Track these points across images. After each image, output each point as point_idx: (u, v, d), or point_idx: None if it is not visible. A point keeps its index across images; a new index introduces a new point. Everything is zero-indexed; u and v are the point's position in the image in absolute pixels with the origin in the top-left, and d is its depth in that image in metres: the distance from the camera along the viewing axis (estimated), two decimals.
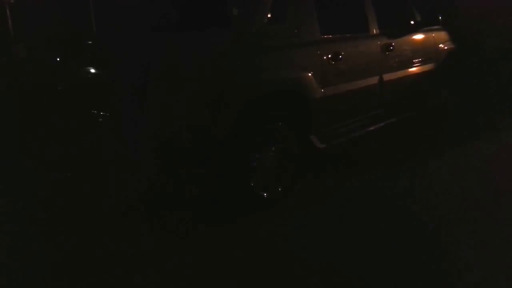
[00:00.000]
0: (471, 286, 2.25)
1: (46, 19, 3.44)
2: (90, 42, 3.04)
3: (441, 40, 4.79)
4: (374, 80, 3.90)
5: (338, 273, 2.37)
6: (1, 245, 2.74)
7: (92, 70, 2.70)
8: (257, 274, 2.41)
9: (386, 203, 3.20)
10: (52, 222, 2.99)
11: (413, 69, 4.42)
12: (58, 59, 2.83)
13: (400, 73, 4.21)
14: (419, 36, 4.48)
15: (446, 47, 4.84)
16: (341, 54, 3.45)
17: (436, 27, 4.66)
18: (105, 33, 3.07)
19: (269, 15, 3.07)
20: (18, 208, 3.18)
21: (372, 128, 4.03)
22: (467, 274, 2.33)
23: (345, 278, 2.33)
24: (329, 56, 3.38)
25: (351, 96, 3.67)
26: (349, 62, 3.57)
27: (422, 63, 4.52)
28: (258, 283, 2.34)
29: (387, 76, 4.02)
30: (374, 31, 3.91)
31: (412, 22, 4.44)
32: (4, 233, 2.88)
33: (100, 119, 2.60)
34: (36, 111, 3.06)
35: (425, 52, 4.56)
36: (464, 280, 2.29)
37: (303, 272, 2.41)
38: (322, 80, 3.33)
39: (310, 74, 3.24)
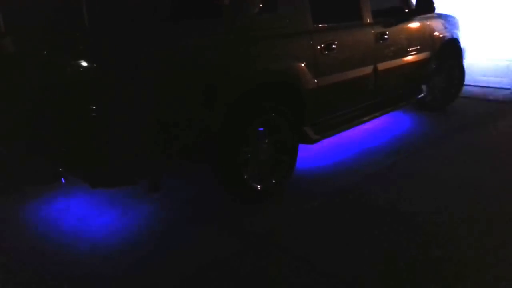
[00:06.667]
0: None
1: (36, 12, 3.38)
2: (79, 34, 2.98)
3: (436, 29, 4.75)
4: (368, 69, 3.87)
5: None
6: None
7: (83, 64, 2.64)
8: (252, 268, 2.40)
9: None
10: None
11: (408, 58, 4.38)
12: (45, 52, 2.78)
13: (394, 63, 4.17)
14: (413, 25, 4.43)
15: (441, 35, 4.80)
16: (334, 44, 3.41)
17: (430, 15, 4.61)
18: (96, 26, 3.01)
19: (260, 5, 3.02)
20: None
21: (366, 118, 4.00)
22: None
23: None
24: (322, 45, 3.34)
25: (345, 86, 3.64)
26: (342, 52, 3.53)
27: (417, 52, 4.48)
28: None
29: (382, 66, 3.99)
30: (368, 20, 3.85)
31: (406, 10, 4.39)
32: None
33: (92, 114, 2.55)
34: (25, 106, 3.02)
35: (420, 41, 4.51)
36: None
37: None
38: (315, 70, 3.29)
39: (303, 65, 3.21)
